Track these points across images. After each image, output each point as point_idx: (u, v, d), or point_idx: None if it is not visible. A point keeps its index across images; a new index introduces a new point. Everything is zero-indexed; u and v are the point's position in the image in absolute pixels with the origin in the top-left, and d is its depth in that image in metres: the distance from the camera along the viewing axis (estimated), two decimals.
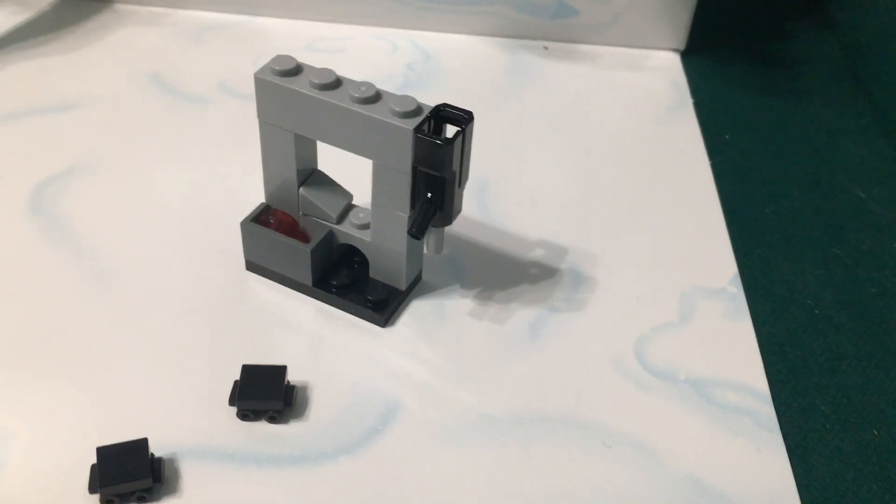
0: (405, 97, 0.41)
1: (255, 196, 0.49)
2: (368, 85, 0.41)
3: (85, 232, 0.49)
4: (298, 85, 0.41)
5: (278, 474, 0.39)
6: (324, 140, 0.42)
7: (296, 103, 0.42)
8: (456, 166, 0.41)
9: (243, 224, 0.46)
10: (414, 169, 0.41)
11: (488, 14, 0.66)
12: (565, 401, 0.43)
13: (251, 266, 0.47)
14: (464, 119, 0.40)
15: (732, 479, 0.40)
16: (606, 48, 0.68)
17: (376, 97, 0.41)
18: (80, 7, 0.67)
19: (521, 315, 0.47)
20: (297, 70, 0.42)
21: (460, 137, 0.40)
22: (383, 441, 0.40)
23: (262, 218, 0.46)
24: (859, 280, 0.51)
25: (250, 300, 0.46)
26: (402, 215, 0.43)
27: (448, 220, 0.42)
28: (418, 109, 0.40)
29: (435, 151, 0.40)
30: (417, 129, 0.40)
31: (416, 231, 0.41)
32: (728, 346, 0.46)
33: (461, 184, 0.42)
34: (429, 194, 0.41)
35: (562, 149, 0.58)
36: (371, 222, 0.44)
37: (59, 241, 0.48)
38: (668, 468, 0.40)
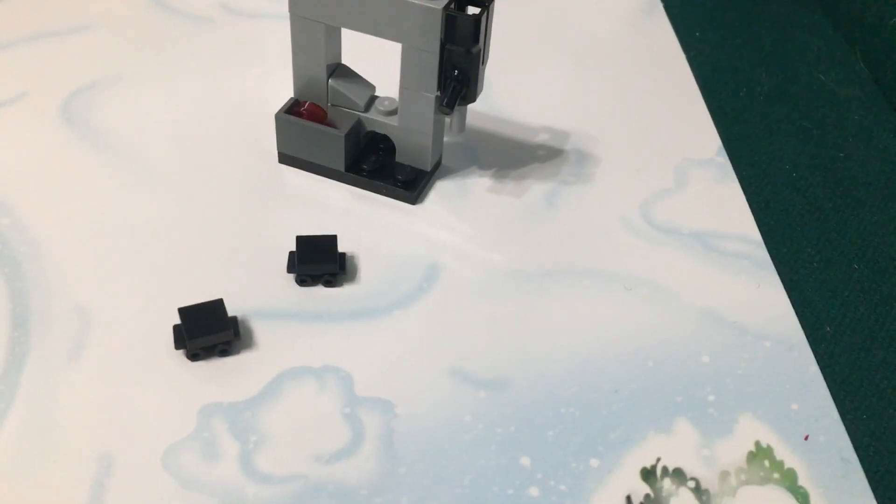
0: None
1: (274, 100, 0.52)
2: None
3: (121, 136, 0.51)
4: None
5: (340, 328, 0.43)
6: (355, 28, 0.46)
7: None
8: (481, 42, 0.45)
9: (278, 116, 0.49)
10: (442, 47, 0.45)
11: None
12: (585, 255, 0.47)
13: (284, 158, 0.51)
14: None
15: (740, 308, 0.45)
16: None
17: None
18: None
19: (535, 189, 0.51)
20: None
21: (485, 14, 0.44)
22: (430, 296, 0.45)
23: (294, 110, 0.49)
24: (826, 146, 0.56)
25: (287, 187, 0.50)
26: (429, 96, 0.47)
27: (473, 96, 0.46)
28: None
29: (464, 26, 0.44)
30: (446, 8, 0.43)
31: (447, 106, 0.45)
32: (722, 205, 0.51)
33: (484, 61, 0.46)
34: (455, 72, 0.45)
35: (551, 54, 0.62)
36: (399, 107, 0.48)
37: (98, 146, 0.51)
38: (684, 303, 0.45)
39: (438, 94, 0.47)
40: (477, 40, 0.44)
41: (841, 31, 0.67)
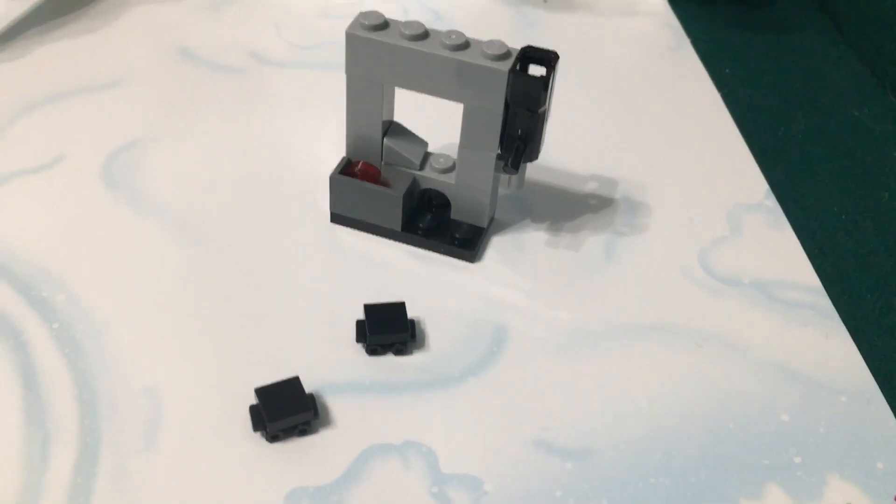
0: (493, 42, 0.44)
1: (317, 153, 0.51)
2: (458, 33, 0.44)
3: (167, 198, 0.50)
4: (391, 38, 0.44)
5: (416, 399, 0.42)
6: (415, 88, 0.45)
7: (389, 55, 0.44)
8: (546, 102, 0.44)
9: (332, 177, 0.48)
10: (507, 108, 0.44)
11: None
12: (650, 309, 0.47)
13: (336, 218, 0.50)
14: (551, 58, 0.44)
15: (811, 362, 0.45)
16: None
17: (466, 44, 0.44)
18: None
19: (591, 241, 0.50)
20: (385, 24, 0.44)
21: (551, 74, 0.43)
22: (501, 361, 0.44)
23: (348, 170, 0.48)
24: (870, 186, 0.56)
25: (343, 248, 0.49)
26: (489, 155, 0.46)
27: (535, 154, 0.46)
28: (508, 52, 0.43)
29: (531, 89, 0.43)
30: (512, 70, 0.43)
31: (512, 166, 0.45)
32: (777, 252, 0.51)
33: (546, 119, 0.46)
34: (519, 131, 0.45)
35: (586, 95, 0.62)
36: (457, 164, 0.47)
37: (145, 209, 0.49)
38: (755, 358, 0.45)
39: (500, 152, 0.46)
40: (543, 101, 0.43)
41: (867, 64, 0.67)
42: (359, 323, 0.44)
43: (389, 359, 0.43)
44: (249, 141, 0.55)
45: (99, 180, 0.51)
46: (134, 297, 0.45)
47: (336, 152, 0.52)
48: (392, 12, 0.68)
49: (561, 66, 0.64)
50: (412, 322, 0.44)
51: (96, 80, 0.58)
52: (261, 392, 0.39)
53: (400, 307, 0.44)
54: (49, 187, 0.50)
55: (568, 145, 0.57)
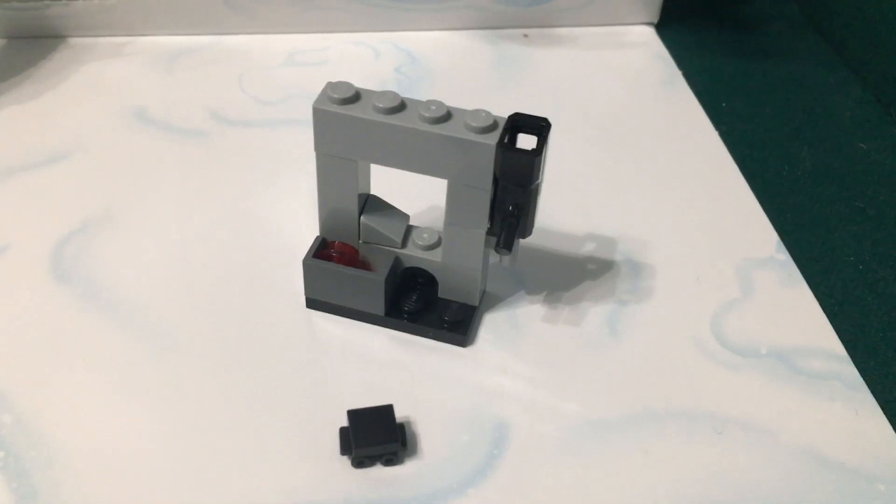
0: (478, 111, 0.39)
1: (288, 227, 0.47)
2: (438, 103, 0.39)
3: (124, 289, 0.45)
4: (363, 112, 0.39)
5: None
6: (394, 166, 0.40)
7: (362, 131, 0.40)
8: (540, 176, 0.40)
9: (305, 262, 0.43)
10: (495, 184, 0.40)
11: (466, 7, 0.65)
12: (663, 391, 0.43)
13: (312, 303, 0.45)
14: (542, 127, 0.39)
15: (842, 444, 0.41)
16: (583, 29, 0.68)
17: (448, 115, 0.39)
18: (31, 46, 0.62)
19: (593, 313, 0.46)
20: (356, 96, 0.40)
21: (543, 145, 0.39)
22: (504, 465, 0.39)
23: (322, 253, 0.44)
24: (886, 230, 0.53)
25: (321, 338, 0.44)
26: (478, 232, 0.42)
27: (529, 230, 0.42)
28: (494, 123, 0.39)
29: (522, 164, 0.38)
30: (500, 144, 0.38)
31: (504, 245, 0.40)
32: (795, 314, 0.47)
33: (538, 193, 0.41)
34: (510, 207, 0.40)
35: (569, 134, 0.57)
36: (443, 242, 0.43)
37: (101, 304, 0.44)
38: (782, 443, 0.41)
39: (490, 228, 0.42)
40: (536, 176, 0.39)
41: (871, 90, 0.63)
42: (342, 431, 0.39)
43: (378, 471, 0.39)
44: (215, 215, 0.50)
45: (48, 274, 0.46)
46: (93, 413, 0.40)
47: (310, 223, 0.48)
48: (364, 57, 0.63)
49: (546, 107, 0.60)
50: (402, 426, 0.40)
51: (42, 154, 0.53)
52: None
53: (387, 410, 0.39)
54: None
55: (560, 198, 0.52)
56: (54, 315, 0.44)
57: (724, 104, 0.62)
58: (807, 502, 0.39)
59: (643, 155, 0.56)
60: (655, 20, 0.68)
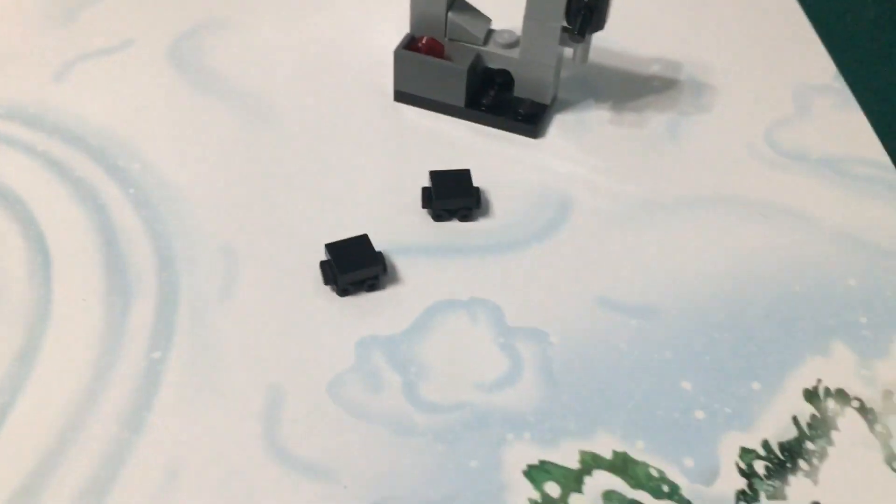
0: None
1: (379, 36, 0.52)
2: None
3: (231, 78, 0.51)
4: None
5: (482, 262, 0.42)
6: None
7: None
8: None
9: (397, 52, 0.48)
10: None
11: None
12: (716, 183, 0.47)
13: (400, 96, 0.50)
14: None
15: (879, 231, 0.45)
16: None
17: None
18: None
19: (656, 120, 0.50)
20: None
21: None
22: (567, 228, 0.44)
23: (412, 46, 0.49)
24: None
25: (408, 125, 0.49)
26: (554, 26, 0.46)
27: (602, 23, 0.46)
28: None
29: None
30: None
31: (579, 33, 0.45)
32: (846, 131, 0.50)
33: None
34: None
35: None
36: (521, 38, 0.47)
37: (212, 88, 0.50)
38: (823, 229, 0.45)
39: (564, 24, 0.46)
40: None
41: None
42: (424, 189, 0.44)
43: (455, 224, 0.44)
44: (313, 20, 0.55)
45: (167, 62, 0.52)
46: (205, 167, 0.46)
47: (400, 31, 0.52)
48: None
49: None
50: (477, 189, 0.45)
51: None
52: (331, 248, 0.40)
53: (465, 174, 0.44)
54: (119, 69, 0.51)
55: (632, 28, 0.56)
56: (172, 93, 0.50)
57: None
58: (842, 274, 0.43)
59: None
60: None
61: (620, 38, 0.55)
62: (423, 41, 0.49)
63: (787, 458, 0.36)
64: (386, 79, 0.50)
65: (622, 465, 0.35)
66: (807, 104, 0.52)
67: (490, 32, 0.49)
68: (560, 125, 0.50)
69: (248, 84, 0.51)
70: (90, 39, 0.53)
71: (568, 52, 0.48)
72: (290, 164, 0.46)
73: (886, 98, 0.53)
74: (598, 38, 0.55)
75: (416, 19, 0.49)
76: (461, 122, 0.49)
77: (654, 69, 0.54)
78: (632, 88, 0.52)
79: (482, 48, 0.49)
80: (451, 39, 0.49)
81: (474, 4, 0.49)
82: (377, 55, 0.52)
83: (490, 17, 0.50)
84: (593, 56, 0.53)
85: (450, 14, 0.48)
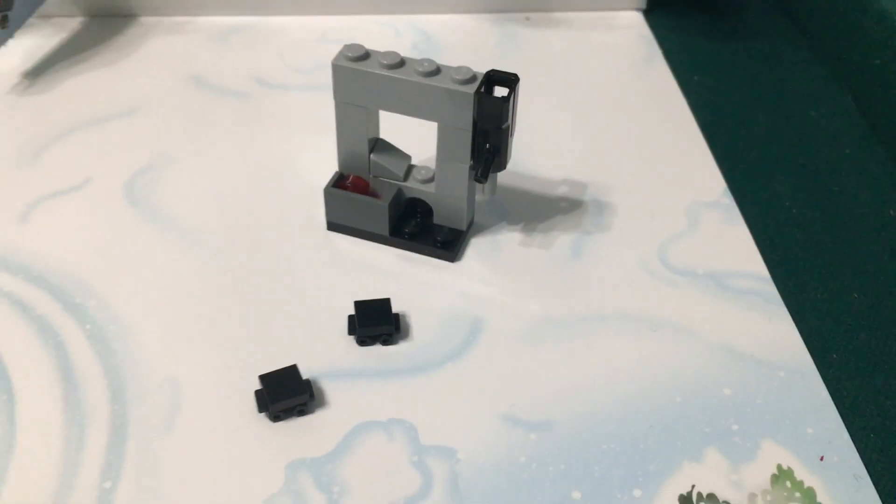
0: (461, 68, 0.49)
1: (315, 168, 0.57)
2: (429, 61, 0.50)
3: (182, 213, 0.57)
4: (371, 67, 0.50)
5: (401, 383, 0.48)
6: (395, 111, 0.51)
7: (370, 82, 0.50)
8: (509, 119, 0.50)
9: (326, 190, 0.54)
10: (475, 125, 0.50)
11: None
12: (611, 300, 0.53)
13: (332, 226, 0.56)
14: (512, 80, 0.50)
15: (754, 342, 0.50)
16: (579, 13, 0.78)
17: (437, 70, 0.50)
18: (109, 24, 0.74)
19: (561, 240, 0.56)
20: (366, 55, 0.50)
21: (512, 94, 0.49)
22: (477, 348, 0.50)
23: (340, 183, 0.55)
24: (822, 182, 0.62)
25: (338, 253, 0.55)
26: (463, 166, 0.52)
27: (503, 165, 0.52)
28: (474, 77, 0.49)
29: (494, 108, 0.49)
30: (477, 92, 0.49)
31: (481, 175, 0.51)
32: (731, 245, 0.56)
33: (511, 133, 0.51)
34: (487, 145, 0.50)
35: (559, 102, 0.67)
36: (435, 175, 0.53)
37: (163, 224, 0.56)
38: (704, 341, 0.50)
39: (472, 163, 0.52)
40: (506, 118, 0.49)
41: (829, 67, 0.72)
42: (350, 317, 0.50)
43: (378, 348, 0.49)
44: (255, 159, 0.61)
45: (122, 199, 0.57)
46: (154, 300, 0.51)
47: (332, 166, 0.58)
48: (385, 34, 0.74)
49: (538, 78, 0.70)
50: (397, 316, 0.50)
51: (118, 109, 0.65)
52: (264, 378, 0.45)
53: (385, 303, 0.50)
54: (79, 206, 0.57)
55: (543, 152, 0.63)
56: (126, 230, 0.55)
57: (696, 78, 0.71)
58: (718, 384, 0.48)
59: (618, 118, 0.66)
60: (644, 6, 0.78)
61: (528, 159, 0.61)
62: (350, 179, 0.55)
63: None
64: (321, 212, 0.56)
65: None
66: (697, 220, 0.58)
67: (410, 168, 0.55)
68: (475, 248, 0.56)
69: (196, 218, 0.57)
70: (52, 179, 0.59)
71: (478, 184, 0.54)
72: (230, 296, 0.52)
73: (768, 211, 0.59)
74: (512, 162, 0.61)
75: (343, 158, 0.55)
76: (387, 249, 0.55)
77: (562, 191, 0.60)
78: (540, 210, 0.58)
79: (403, 184, 0.55)
80: (374, 176, 0.55)
81: (397, 142, 0.56)
82: (314, 189, 0.58)
83: (410, 154, 0.56)
84: (509, 181, 0.60)
85: (372, 155, 0.54)
